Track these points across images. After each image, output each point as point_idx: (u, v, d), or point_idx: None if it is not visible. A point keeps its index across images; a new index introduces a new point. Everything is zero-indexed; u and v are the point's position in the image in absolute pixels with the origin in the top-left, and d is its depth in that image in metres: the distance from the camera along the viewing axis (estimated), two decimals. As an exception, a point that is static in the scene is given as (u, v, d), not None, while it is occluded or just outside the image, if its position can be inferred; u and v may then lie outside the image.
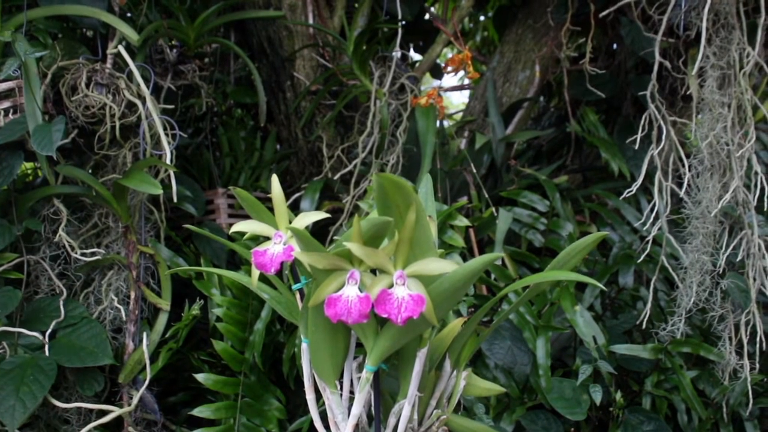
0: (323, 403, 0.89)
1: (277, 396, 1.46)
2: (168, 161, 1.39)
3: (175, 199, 1.40)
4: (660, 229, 1.48)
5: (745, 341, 1.41)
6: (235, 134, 1.96)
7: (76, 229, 1.45)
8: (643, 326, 1.45)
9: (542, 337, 1.34)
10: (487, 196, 1.67)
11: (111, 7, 1.48)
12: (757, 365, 1.43)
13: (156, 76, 1.56)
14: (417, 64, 1.96)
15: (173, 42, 1.67)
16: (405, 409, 0.85)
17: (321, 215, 0.84)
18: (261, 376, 1.46)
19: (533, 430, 1.31)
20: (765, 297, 1.45)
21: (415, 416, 0.88)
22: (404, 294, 0.74)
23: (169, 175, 1.42)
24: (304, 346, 0.88)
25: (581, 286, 1.57)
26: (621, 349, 1.38)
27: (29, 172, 1.71)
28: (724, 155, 1.42)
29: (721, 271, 1.43)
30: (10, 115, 1.34)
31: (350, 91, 1.75)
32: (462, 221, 1.41)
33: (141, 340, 1.40)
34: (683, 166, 1.46)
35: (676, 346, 1.40)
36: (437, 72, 2.27)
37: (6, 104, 1.35)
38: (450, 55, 1.86)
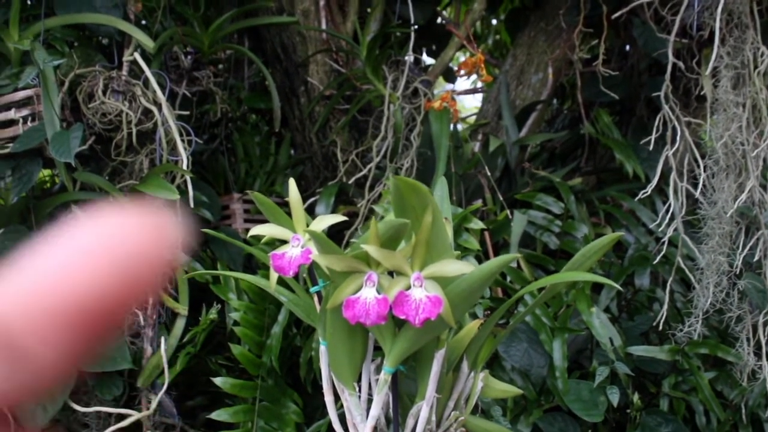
0: (341, 406, 0.89)
1: (294, 399, 1.47)
2: (184, 167, 1.40)
3: (192, 205, 1.41)
4: (676, 230, 1.48)
5: (763, 342, 1.41)
6: (250, 140, 1.97)
7: (94, 235, 1.47)
8: (660, 328, 1.45)
9: (558, 339, 1.34)
10: (501, 198, 1.67)
11: (126, 15, 1.50)
12: (776, 366, 1.43)
13: (171, 82, 1.58)
14: (430, 68, 1.96)
15: (188, 49, 1.69)
16: (423, 410, 0.86)
17: (338, 218, 0.84)
18: (278, 380, 1.46)
19: (550, 432, 1.31)
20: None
21: (434, 417, 0.88)
22: (422, 295, 0.74)
23: (185, 181, 1.43)
24: (322, 348, 0.88)
25: (597, 288, 1.57)
26: (638, 350, 1.38)
27: (47, 179, 1.73)
28: (739, 155, 1.41)
29: (738, 272, 1.42)
30: (28, 123, 1.36)
31: (364, 95, 1.76)
32: (477, 224, 1.42)
33: (159, 345, 1.41)
34: (698, 166, 1.46)
35: (694, 348, 1.40)
36: (450, 75, 2.27)
37: (24, 112, 1.36)
38: (462, 59, 1.87)
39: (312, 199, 1.74)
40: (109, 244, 0.18)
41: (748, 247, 1.42)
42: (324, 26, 1.84)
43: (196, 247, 1.63)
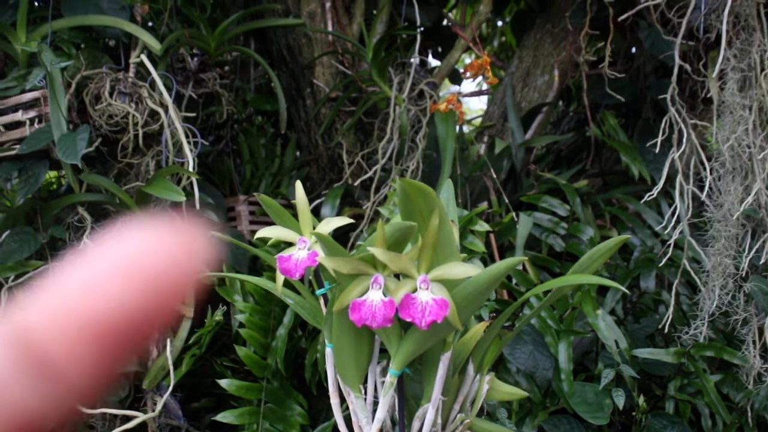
0: (347, 408, 0.89)
1: (300, 401, 1.47)
2: (190, 169, 1.40)
3: (197, 206, 1.42)
4: (681, 232, 1.47)
5: (769, 345, 1.40)
6: (256, 142, 1.97)
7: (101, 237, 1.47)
8: (666, 330, 1.45)
9: (564, 342, 1.34)
10: (507, 201, 1.67)
11: (133, 17, 1.50)
12: (782, 369, 1.42)
13: (178, 84, 1.58)
14: (436, 70, 1.96)
15: (194, 51, 1.69)
16: (429, 413, 0.86)
17: (345, 220, 0.84)
18: (283, 382, 1.46)
19: (556, 434, 1.30)
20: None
21: (439, 420, 0.88)
22: (428, 298, 0.74)
23: (191, 183, 1.43)
24: (328, 350, 0.88)
25: (603, 291, 1.57)
26: (643, 353, 1.38)
27: (53, 180, 1.73)
28: (745, 158, 1.41)
29: (744, 275, 1.42)
30: (35, 125, 1.36)
31: (369, 97, 1.76)
32: (483, 226, 1.42)
33: (164, 347, 1.41)
34: (704, 169, 1.46)
35: (699, 350, 1.39)
36: (456, 78, 2.27)
37: (32, 113, 1.37)
38: (468, 61, 1.87)
39: (317, 201, 1.74)
40: (139, 261, 0.18)
41: (754, 250, 1.42)
42: (330, 28, 1.84)
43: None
